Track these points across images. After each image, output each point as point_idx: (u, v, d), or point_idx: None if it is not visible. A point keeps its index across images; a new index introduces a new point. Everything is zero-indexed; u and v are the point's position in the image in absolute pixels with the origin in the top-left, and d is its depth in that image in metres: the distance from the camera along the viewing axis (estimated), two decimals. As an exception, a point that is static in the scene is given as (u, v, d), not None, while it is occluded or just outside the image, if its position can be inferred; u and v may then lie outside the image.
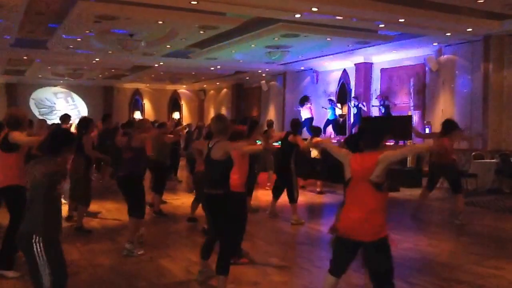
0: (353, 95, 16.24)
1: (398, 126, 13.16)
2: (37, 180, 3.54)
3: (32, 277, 3.52)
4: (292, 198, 7.78)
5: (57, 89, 24.62)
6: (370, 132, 3.81)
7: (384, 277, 3.61)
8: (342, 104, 16.82)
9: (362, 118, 14.89)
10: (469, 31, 11.66)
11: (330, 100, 16.51)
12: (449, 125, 7.78)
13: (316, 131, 10.25)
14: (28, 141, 5.19)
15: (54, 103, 24.44)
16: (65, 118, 11.12)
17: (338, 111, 16.51)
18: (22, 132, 5.29)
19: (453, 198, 8.25)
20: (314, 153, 11.59)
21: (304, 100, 17.17)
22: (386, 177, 3.60)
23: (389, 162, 3.56)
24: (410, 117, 13.75)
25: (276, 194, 8.19)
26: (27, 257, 3.52)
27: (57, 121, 14.21)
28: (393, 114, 14.59)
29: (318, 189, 11.16)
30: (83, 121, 7.81)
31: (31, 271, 3.52)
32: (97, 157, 8.12)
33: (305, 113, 16.93)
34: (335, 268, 3.78)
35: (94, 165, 10.14)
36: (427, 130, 13.63)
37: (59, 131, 4.08)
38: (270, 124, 12.48)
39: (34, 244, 3.46)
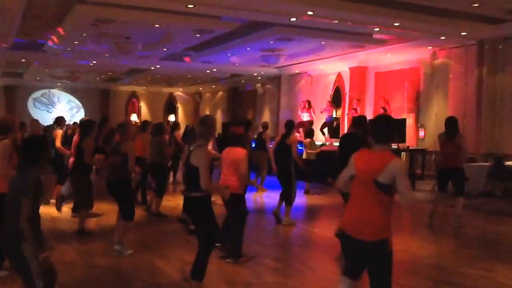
0: (348, 98, 16.40)
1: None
2: (24, 187, 3.53)
3: (24, 281, 3.51)
4: (288, 200, 7.77)
5: (74, 99, 24.99)
6: (382, 127, 3.54)
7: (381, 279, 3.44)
8: (337, 108, 16.90)
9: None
10: (463, 35, 11.77)
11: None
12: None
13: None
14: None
15: (59, 103, 24.63)
16: (60, 120, 10.18)
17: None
18: (12, 137, 5.32)
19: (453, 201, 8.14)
20: (305, 154, 11.44)
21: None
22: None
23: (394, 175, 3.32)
24: (405, 120, 13.86)
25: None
26: (17, 262, 3.51)
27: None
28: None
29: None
30: (84, 125, 7.55)
31: (22, 274, 3.52)
32: (95, 164, 7.67)
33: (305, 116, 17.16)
34: (347, 268, 3.60)
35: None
36: (420, 133, 13.76)
37: (32, 139, 3.94)
38: (264, 126, 12.51)
39: (24, 248, 3.46)
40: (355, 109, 15.38)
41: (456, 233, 7.60)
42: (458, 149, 7.66)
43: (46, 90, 24.50)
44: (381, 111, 15.16)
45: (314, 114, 17.34)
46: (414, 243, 6.89)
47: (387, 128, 3.52)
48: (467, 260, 5.95)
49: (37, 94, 24.34)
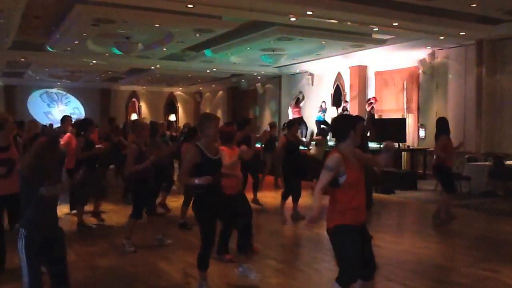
0: (348, 98, 16.38)
1: (392, 129, 13.31)
2: (22, 176, 3.60)
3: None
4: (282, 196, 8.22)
5: (81, 109, 25.16)
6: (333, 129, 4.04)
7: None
8: (337, 107, 16.87)
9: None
10: (462, 35, 11.78)
11: None
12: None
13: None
14: None
15: (64, 105, 24.81)
16: (66, 119, 9.86)
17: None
18: (8, 134, 5.29)
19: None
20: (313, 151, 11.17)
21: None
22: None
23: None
24: (404, 120, 13.86)
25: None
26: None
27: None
28: (387, 117, 14.69)
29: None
30: (81, 123, 7.86)
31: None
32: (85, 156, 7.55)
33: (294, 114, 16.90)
34: None
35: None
36: (421, 133, 13.77)
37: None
38: (271, 125, 12.41)
39: (18, 239, 3.52)
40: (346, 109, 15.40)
41: (459, 233, 7.59)
42: (438, 149, 7.89)
43: (63, 92, 24.72)
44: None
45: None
46: (419, 243, 6.87)
47: (332, 132, 3.99)
48: (471, 260, 5.93)
49: (52, 89, 24.62)
